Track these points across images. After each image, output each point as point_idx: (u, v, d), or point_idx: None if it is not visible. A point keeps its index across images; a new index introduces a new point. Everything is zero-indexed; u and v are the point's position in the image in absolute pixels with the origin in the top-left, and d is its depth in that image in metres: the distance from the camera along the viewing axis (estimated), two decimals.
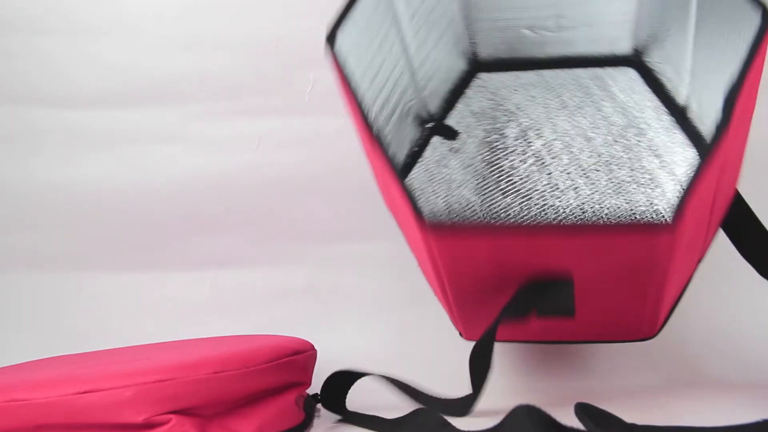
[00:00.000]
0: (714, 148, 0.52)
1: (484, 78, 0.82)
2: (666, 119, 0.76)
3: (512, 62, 0.81)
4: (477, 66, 0.82)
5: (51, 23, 1.01)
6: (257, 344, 0.69)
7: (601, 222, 0.71)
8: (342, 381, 0.73)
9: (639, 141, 0.77)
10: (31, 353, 0.84)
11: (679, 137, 0.75)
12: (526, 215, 0.76)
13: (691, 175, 0.53)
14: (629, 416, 0.57)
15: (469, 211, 0.78)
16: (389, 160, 0.56)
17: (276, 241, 0.97)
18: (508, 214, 0.77)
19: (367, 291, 0.94)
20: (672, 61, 0.74)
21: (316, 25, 1.01)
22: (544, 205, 0.76)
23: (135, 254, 1.00)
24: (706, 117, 0.72)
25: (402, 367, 0.84)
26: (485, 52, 0.81)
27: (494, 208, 0.77)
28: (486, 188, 0.79)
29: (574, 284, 0.59)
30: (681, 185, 0.65)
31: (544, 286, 0.59)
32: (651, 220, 0.71)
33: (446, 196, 0.78)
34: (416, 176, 0.78)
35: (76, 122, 1.01)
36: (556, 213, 0.76)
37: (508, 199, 0.77)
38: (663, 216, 0.64)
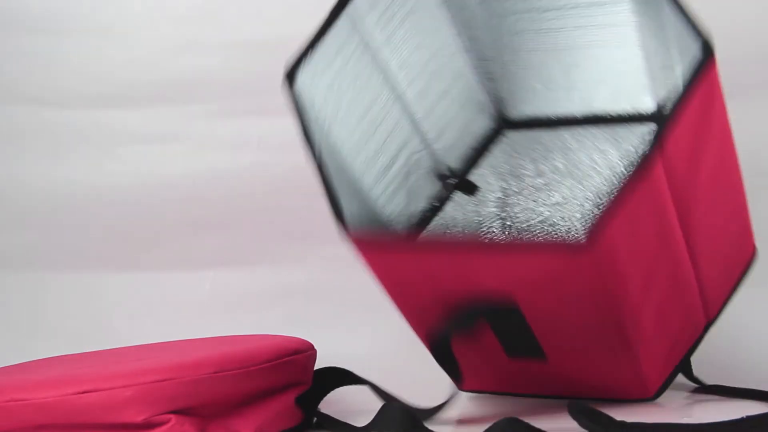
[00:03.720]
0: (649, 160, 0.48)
1: (510, 136, 0.80)
2: None
3: (536, 121, 0.79)
4: (502, 123, 0.81)
5: (50, 24, 1.01)
6: (257, 344, 0.69)
7: (521, 239, 0.67)
8: (326, 382, 0.73)
9: None
10: (31, 353, 0.84)
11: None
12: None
13: (614, 191, 0.49)
14: (620, 414, 0.57)
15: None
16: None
17: (276, 241, 0.97)
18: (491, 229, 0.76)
19: (367, 291, 0.94)
20: None
21: (315, 26, 1.01)
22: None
23: (135, 254, 1.00)
24: None
25: (402, 367, 0.84)
26: (511, 110, 0.80)
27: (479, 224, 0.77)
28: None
29: (525, 315, 0.58)
30: (598, 204, 0.60)
31: (489, 308, 0.57)
32: (566, 238, 0.67)
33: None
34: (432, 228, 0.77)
35: (76, 122, 1.01)
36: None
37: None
38: (577, 234, 0.59)
